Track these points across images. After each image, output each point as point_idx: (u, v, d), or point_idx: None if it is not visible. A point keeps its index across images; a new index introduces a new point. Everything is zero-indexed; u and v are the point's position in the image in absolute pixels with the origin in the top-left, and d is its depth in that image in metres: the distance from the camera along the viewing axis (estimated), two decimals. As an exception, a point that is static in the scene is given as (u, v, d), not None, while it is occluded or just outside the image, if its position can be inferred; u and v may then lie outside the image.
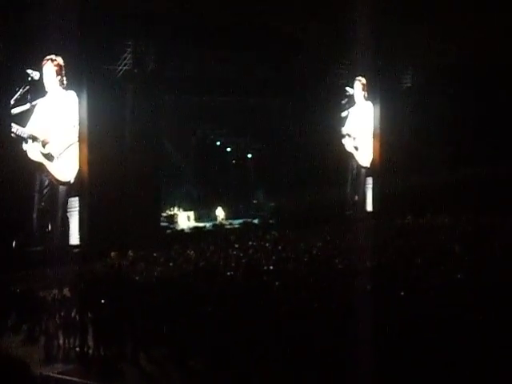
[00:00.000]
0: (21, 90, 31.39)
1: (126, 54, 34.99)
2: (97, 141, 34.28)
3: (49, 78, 32.30)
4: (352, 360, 17.45)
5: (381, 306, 20.09)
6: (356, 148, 47.16)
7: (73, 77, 33.23)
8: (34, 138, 32.05)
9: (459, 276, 23.54)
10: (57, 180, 33.32)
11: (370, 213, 47.51)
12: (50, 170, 32.93)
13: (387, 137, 48.00)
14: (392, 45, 44.58)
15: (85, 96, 34.12)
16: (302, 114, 42.92)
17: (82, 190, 34.43)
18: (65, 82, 32.76)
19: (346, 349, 17.83)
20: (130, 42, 35.04)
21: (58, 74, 32.43)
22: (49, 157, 32.72)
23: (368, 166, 48.00)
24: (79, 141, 34.03)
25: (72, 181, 33.87)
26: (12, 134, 31.39)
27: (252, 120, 43.78)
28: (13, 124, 31.35)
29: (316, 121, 43.01)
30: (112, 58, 34.97)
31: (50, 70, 32.26)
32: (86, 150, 34.25)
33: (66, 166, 33.54)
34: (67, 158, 33.60)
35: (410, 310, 19.84)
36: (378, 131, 48.25)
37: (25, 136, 31.69)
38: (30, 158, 32.13)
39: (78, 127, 33.90)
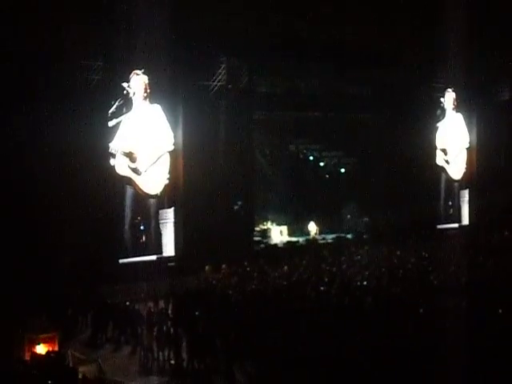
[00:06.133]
0: (116, 103, 32.18)
1: (220, 71, 35.44)
2: (191, 155, 34.73)
3: (136, 92, 32.79)
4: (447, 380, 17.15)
5: (477, 323, 19.72)
6: (447, 161, 46.51)
7: (168, 92, 33.84)
8: (127, 154, 32.72)
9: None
10: (144, 193, 33.78)
11: (465, 227, 46.72)
12: (137, 183, 33.39)
13: (483, 150, 47.19)
14: (489, 58, 43.80)
15: (180, 111, 34.72)
16: (395, 128, 42.56)
17: (176, 203, 34.93)
18: (149, 95, 33.12)
19: (440, 368, 17.53)
20: (224, 59, 35.46)
21: (143, 88, 32.99)
22: (136, 171, 33.25)
23: (459, 178, 47.30)
24: (174, 154, 34.51)
25: (159, 193, 34.24)
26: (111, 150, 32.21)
27: (345, 134, 43.71)
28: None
29: (409, 134, 42.57)
30: (206, 74, 35.45)
31: (136, 84, 32.81)
32: (181, 164, 34.75)
33: (153, 179, 33.90)
34: (154, 171, 33.97)
35: (508, 328, 19.40)
36: (474, 144, 47.53)
37: (116, 152, 32.40)
38: (117, 173, 32.69)
39: (164, 141, 34.34)
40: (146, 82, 32.84)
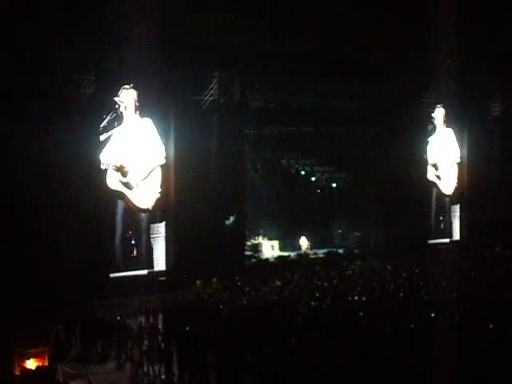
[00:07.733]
0: (108, 117, 32.17)
1: (212, 85, 35.49)
2: (183, 169, 34.74)
3: (127, 106, 32.76)
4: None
5: (468, 338, 19.69)
6: (438, 177, 46.67)
7: (160, 106, 33.86)
8: (118, 168, 32.68)
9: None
10: (136, 207, 33.77)
11: (456, 242, 46.78)
12: (129, 197, 33.39)
13: (474, 165, 47.35)
14: (480, 73, 44.01)
15: (172, 125, 34.70)
16: (386, 143, 42.68)
17: (168, 217, 34.89)
18: (139, 109, 33.08)
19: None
20: (216, 74, 35.52)
21: (133, 102, 32.96)
22: (128, 185, 33.23)
23: (450, 193, 47.44)
24: (166, 168, 34.48)
25: (150, 208, 34.21)
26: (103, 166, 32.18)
27: (337, 149, 43.84)
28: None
29: (401, 149, 42.65)
30: (199, 88, 35.49)
31: (127, 98, 32.80)
32: (172, 178, 34.73)
33: (144, 193, 33.88)
34: (146, 185, 33.95)
35: (498, 343, 19.37)
36: (465, 159, 47.70)
37: (107, 166, 32.38)
38: (108, 187, 32.69)
39: (156, 155, 34.30)
40: (135, 96, 32.85)
